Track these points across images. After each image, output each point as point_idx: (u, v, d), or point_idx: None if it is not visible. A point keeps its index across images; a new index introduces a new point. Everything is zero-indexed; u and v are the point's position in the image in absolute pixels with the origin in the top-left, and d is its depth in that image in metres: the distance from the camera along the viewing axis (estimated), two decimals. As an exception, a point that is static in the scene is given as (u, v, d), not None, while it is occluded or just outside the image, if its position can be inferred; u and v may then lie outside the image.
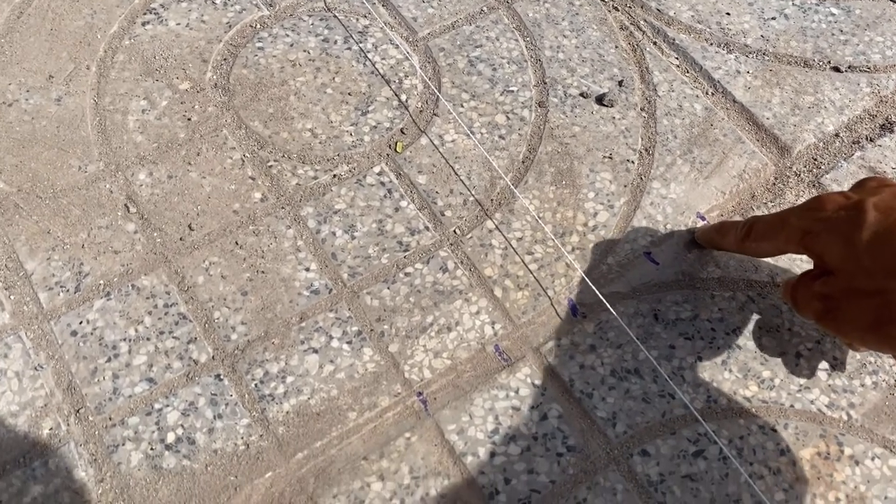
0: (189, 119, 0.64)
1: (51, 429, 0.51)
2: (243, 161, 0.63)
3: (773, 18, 0.74)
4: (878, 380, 0.56)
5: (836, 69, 0.71)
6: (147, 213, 0.60)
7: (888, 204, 0.43)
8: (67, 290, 0.56)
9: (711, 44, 0.72)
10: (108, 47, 0.68)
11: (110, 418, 0.52)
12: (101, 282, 0.57)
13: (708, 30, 0.73)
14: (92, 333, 0.55)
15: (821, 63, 0.71)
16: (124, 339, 0.55)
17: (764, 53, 0.72)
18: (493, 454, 0.52)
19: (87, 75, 0.66)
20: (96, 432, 0.52)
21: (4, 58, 0.67)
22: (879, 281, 0.41)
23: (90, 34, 0.69)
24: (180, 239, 0.59)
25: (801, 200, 0.63)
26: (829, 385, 0.55)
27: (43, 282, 0.57)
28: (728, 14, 0.74)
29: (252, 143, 0.64)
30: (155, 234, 0.59)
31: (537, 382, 0.55)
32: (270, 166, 0.63)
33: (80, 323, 0.55)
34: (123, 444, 0.51)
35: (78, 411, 0.52)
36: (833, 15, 0.75)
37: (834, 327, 0.45)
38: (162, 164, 0.62)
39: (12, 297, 0.56)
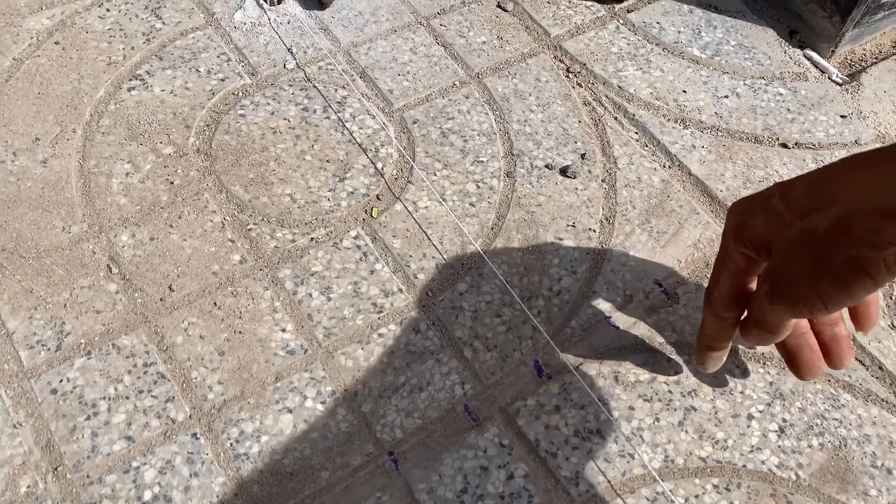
0: (172, 183, 0.67)
1: (28, 486, 0.52)
2: (223, 224, 0.65)
3: (726, 97, 0.79)
4: (825, 441, 0.59)
5: (784, 146, 0.76)
6: (129, 274, 0.62)
7: (791, 180, 0.45)
8: (48, 349, 0.58)
9: (669, 119, 0.77)
10: (94, 111, 0.71)
11: (88, 476, 0.53)
12: (82, 341, 0.58)
13: (665, 106, 0.78)
14: (72, 392, 0.56)
15: (770, 139, 0.77)
16: (104, 398, 0.56)
17: (718, 129, 0.77)
18: (461, 512, 0.54)
19: (73, 138, 0.69)
20: (74, 490, 0.53)
21: (-8, 120, 0.69)
22: (799, 224, 0.43)
23: (77, 98, 0.71)
24: (161, 299, 0.61)
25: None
26: (779, 446, 0.59)
27: (24, 340, 0.58)
28: (684, 92, 0.79)
29: (232, 206, 0.66)
30: (136, 295, 0.61)
31: (505, 442, 0.57)
32: (250, 229, 0.65)
33: (61, 381, 0.57)
34: (101, 503, 0.52)
35: (56, 469, 0.53)
36: (781, 95, 0.80)
37: (790, 296, 0.45)
38: (144, 226, 0.64)
39: (-7, 356, 0.57)
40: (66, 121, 0.70)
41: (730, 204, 0.70)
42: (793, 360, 0.55)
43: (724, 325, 0.54)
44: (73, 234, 0.63)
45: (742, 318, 0.53)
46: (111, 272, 0.62)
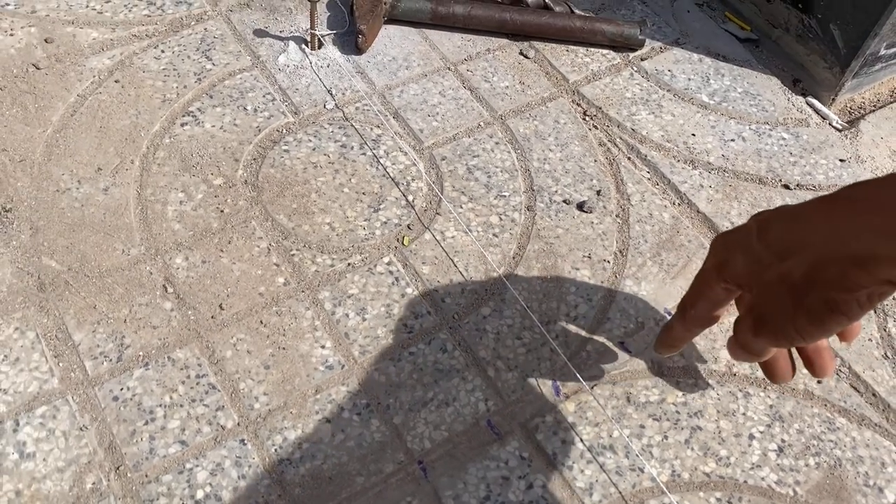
0: (222, 211, 0.73)
1: (93, 483, 0.58)
2: (269, 249, 0.71)
3: (733, 140, 0.85)
4: (821, 461, 0.64)
5: (787, 187, 0.82)
6: (183, 293, 0.68)
7: (770, 212, 0.49)
8: (110, 360, 0.64)
9: (679, 160, 0.83)
10: (151, 144, 0.77)
11: (146, 475, 0.59)
12: (141, 353, 0.64)
13: (676, 148, 0.84)
14: (132, 399, 0.62)
15: (773, 181, 0.82)
16: (160, 405, 0.62)
17: (724, 170, 0.83)
18: (484, 517, 0.59)
19: (132, 169, 0.75)
20: (133, 487, 0.58)
21: (59, 150, 0.75)
22: (777, 267, 0.46)
23: (135, 132, 0.78)
24: (212, 317, 0.67)
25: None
26: (778, 464, 0.63)
27: (89, 351, 0.64)
28: (693, 135, 0.85)
29: (277, 233, 0.72)
30: (189, 312, 0.67)
31: (525, 455, 0.62)
32: (293, 255, 0.71)
33: (122, 389, 0.62)
34: (158, 500, 0.57)
35: (118, 468, 0.59)
36: (784, 139, 0.86)
37: (772, 331, 0.49)
38: (197, 249, 0.70)
39: (61, 365, 0.63)
40: (125, 153, 0.76)
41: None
42: (769, 368, 0.60)
43: (691, 334, 0.60)
44: (132, 256, 0.69)
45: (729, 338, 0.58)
46: (167, 291, 0.68)
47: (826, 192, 0.80)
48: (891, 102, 0.94)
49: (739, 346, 0.53)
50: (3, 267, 0.67)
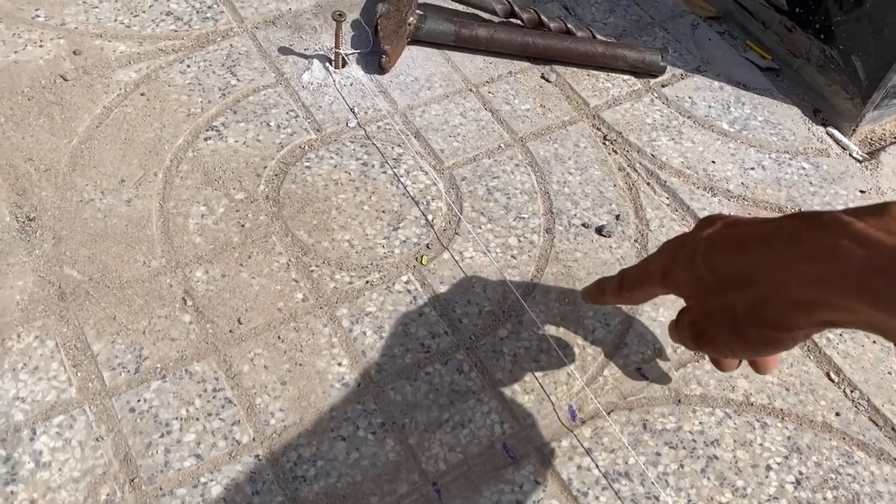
0: (243, 225, 0.74)
1: (107, 495, 0.58)
2: (288, 265, 0.71)
3: (752, 168, 0.85)
4: (839, 494, 0.63)
5: (806, 216, 0.82)
6: (202, 307, 0.68)
7: (718, 233, 0.50)
8: (128, 371, 0.64)
9: (698, 187, 0.83)
10: (174, 158, 0.78)
11: (161, 488, 0.58)
12: (158, 365, 0.64)
13: (695, 175, 0.84)
14: (148, 411, 0.62)
15: (792, 210, 0.82)
16: (176, 418, 0.62)
17: (744, 198, 0.82)
18: (498, 541, 0.58)
19: (155, 181, 0.76)
20: (147, 500, 0.58)
21: (84, 161, 0.76)
22: (721, 295, 0.48)
23: (158, 145, 0.78)
24: (230, 331, 0.67)
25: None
26: (795, 497, 0.63)
27: (107, 362, 0.64)
28: (713, 162, 0.85)
29: (297, 249, 0.73)
30: (207, 326, 0.67)
31: (539, 479, 0.62)
32: (312, 271, 0.71)
33: (138, 401, 0.62)
34: (171, 513, 0.57)
35: (132, 480, 0.59)
36: (804, 169, 0.86)
37: (709, 348, 0.51)
38: (217, 263, 0.71)
39: (79, 374, 0.63)
40: (148, 165, 0.77)
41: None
42: (714, 361, 0.61)
43: (621, 303, 0.65)
44: (153, 268, 0.70)
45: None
46: (186, 304, 0.68)
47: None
48: (911, 135, 0.94)
49: (679, 341, 0.55)
50: (25, 275, 0.68)
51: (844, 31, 0.88)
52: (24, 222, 0.71)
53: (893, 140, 0.93)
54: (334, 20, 0.82)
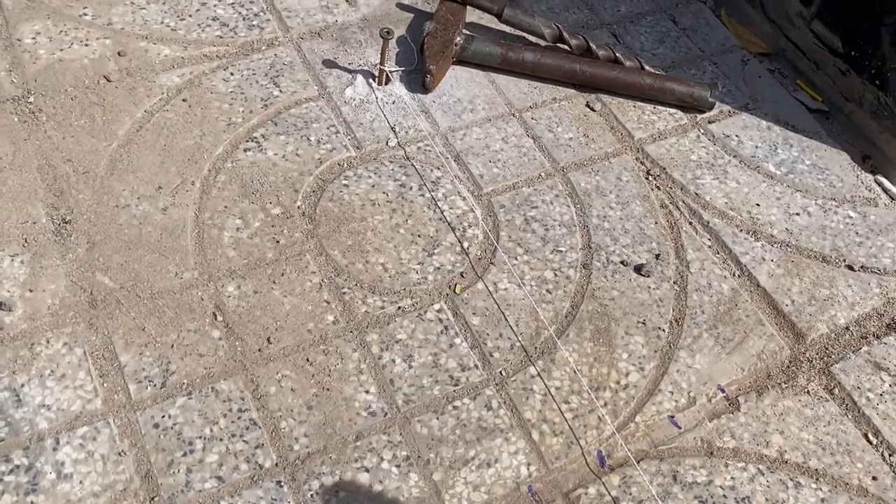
0: (277, 241, 0.73)
1: (127, 512, 0.57)
2: (321, 285, 0.71)
3: (798, 214, 0.83)
4: (872, 564, 0.61)
5: (850, 268, 0.80)
6: (232, 323, 0.67)
7: None
8: (154, 385, 0.63)
9: (741, 230, 0.81)
10: (213, 167, 0.77)
11: (180, 510, 0.58)
12: (185, 381, 0.64)
13: (739, 217, 0.82)
14: (172, 428, 0.61)
15: (837, 260, 0.80)
16: (200, 437, 0.61)
17: (787, 245, 0.80)
18: (519, 589, 0.57)
19: (192, 190, 0.75)
20: (167, 521, 0.57)
21: (122, 165, 0.76)
22: None
23: (198, 153, 0.78)
24: (259, 350, 0.66)
25: (812, 386, 0.70)
26: (828, 563, 0.61)
27: (134, 374, 0.63)
28: (758, 205, 0.83)
29: (330, 269, 0.72)
30: (237, 343, 0.66)
31: (564, 526, 0.60)
32: (344, 293, 0.70)
33: (163, 417, 0.62)
34: (190, 536, 0.56)
35: (153, 499, 0.58)
36: (850, 218, 0.84)
37: None
38: (249, 279, 0.70)
39: (105, 385, 0.63)
40: (186, 173, 0.76)
41: (794, 319, 0.73)
42: None
43: None
44: (185, 280, 0.69)
45: None
46: (216, 319, 0.67)
47: (892, 278, 0.78)
48: (963, 188, 0.91)
49: None
50: (57, 279, 0.67)
51: (901, 78, 0.85)
52: (59, 224, 0.71)
53: (944, 192, 0.90)
54: (381, 37, 0.81)
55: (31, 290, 0.66)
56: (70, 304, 0.66)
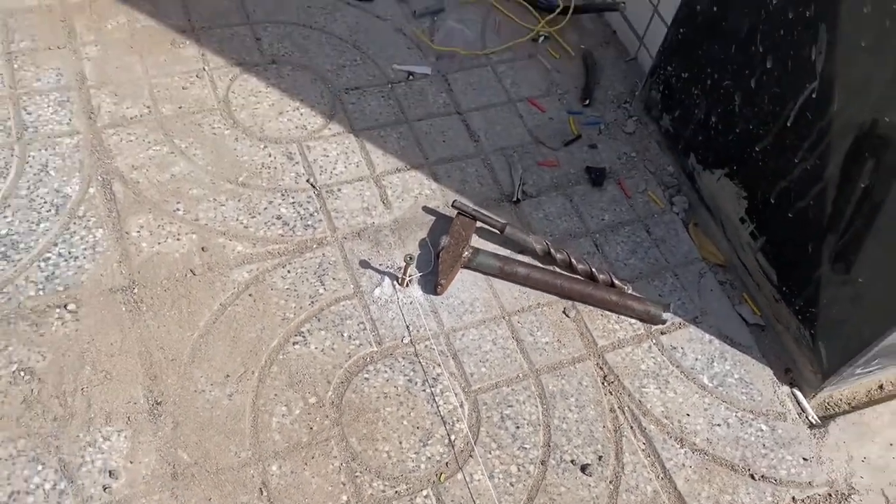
0: (311, 428, 0.97)
1: None
2: (340, 468, 0.95)
3: (719, 425, 1.06)
4: None
5: (752, 476, 1.02)
6: (273, 499, 0.92)
7: None
8: (216, 546, 0.88)
9: (671, 437, 1.03)
10: (268, 359, 1.02)
11: None
12: (237, 544, 0.89)
13: (671, 425, 1.04)
14: (226, 582, 0.86)
15: (743, 469, 1.02)
16: (245, 591, 0.86)
17: (705, 453, 1.03)
18: None
19: (251, 379, 1.00)
20: None
21: (200, 354, 1.00)
22: None
23: (258, 346, 1.02)
24: (291, 522, 0.91)
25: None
26: None
27: (202, 536, 0.88)
28: (688, 415, 1.06)
29: (348, 455, 0.96)
30: (276, 515, 0.91)
31: None
32: (356, 476, 0.95)
33: (220, 573, 0.87)
34: None
35: None
36: (762, 431, 1.06)
37: None
38: (288, 460, 0.95)
39: (181, 544, 0.88)
40: (248, 363, 1.01)
41: (695, 528, 0.96)
42: None
43: None
44: (241, 459, 0.94)
45: None
46: (262, 494, 0.92)
47: (783, 488, 1.00)
48: (865, 403, 1.12)
49: None
50: (149, 454, 0.93)
51: (818, 319, 1.07)
52: (152, 405, 0.96)
53: (847, 405, 1.12)
54: (405, 262, 1.05)
55: (131, 462, 0.92)
56: (158, 475, 0.92)
